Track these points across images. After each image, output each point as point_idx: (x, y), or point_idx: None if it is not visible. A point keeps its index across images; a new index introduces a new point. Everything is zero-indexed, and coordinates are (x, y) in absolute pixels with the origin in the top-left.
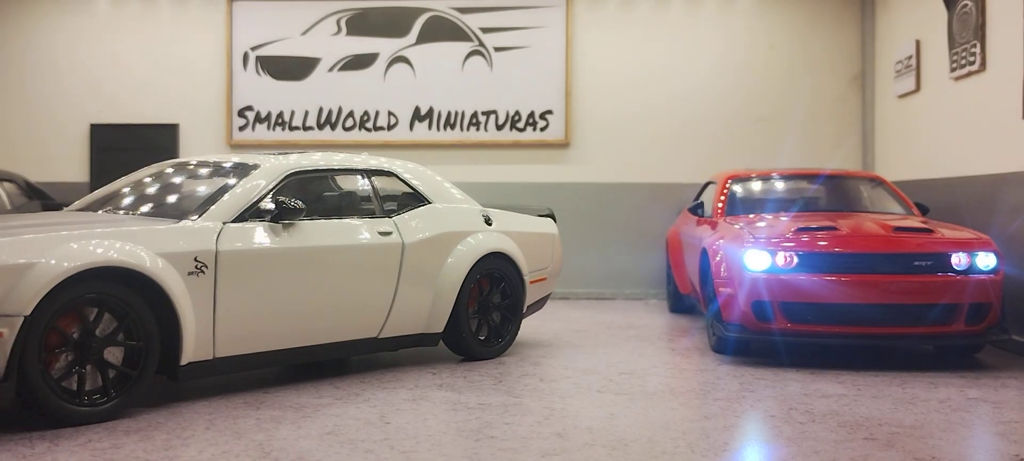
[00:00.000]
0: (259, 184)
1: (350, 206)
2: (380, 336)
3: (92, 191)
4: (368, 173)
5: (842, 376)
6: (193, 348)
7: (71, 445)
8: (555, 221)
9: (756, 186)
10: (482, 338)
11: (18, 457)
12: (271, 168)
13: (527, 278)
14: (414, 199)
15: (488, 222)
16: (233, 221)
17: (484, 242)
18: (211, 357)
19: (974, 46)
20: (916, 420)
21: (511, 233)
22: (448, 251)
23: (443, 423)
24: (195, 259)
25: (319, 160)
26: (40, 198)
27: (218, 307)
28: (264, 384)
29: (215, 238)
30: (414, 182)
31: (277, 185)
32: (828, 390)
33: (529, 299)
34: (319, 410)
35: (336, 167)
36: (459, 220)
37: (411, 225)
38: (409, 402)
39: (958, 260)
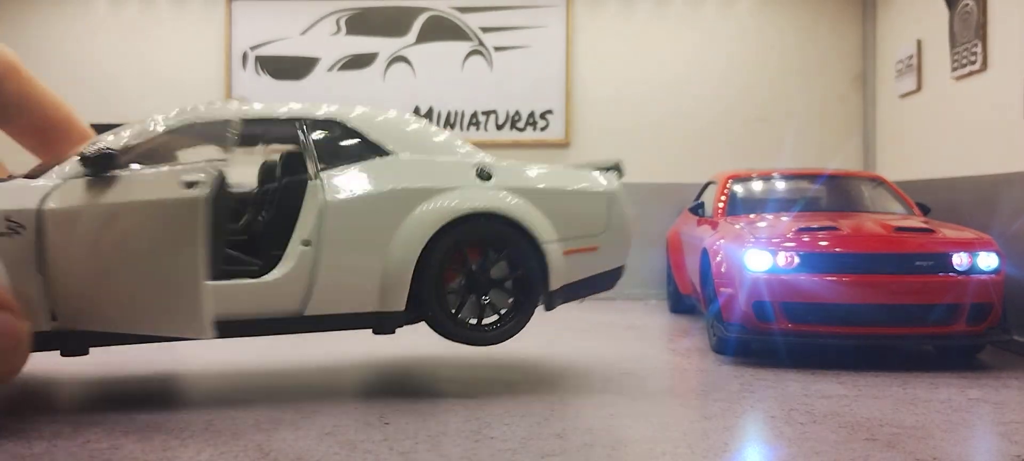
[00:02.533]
0: (124, 135)
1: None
2: (306, 313)
3: None
4: (302, 124)
5: (843, 377)
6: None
7: (69, 446)
8: (620, 174)
9: (757, 186)
10: (473, 321)
11: (16, 458)
12: (157, 118)
13: (550, 246)
14: (370, 150)
15: (483, 176)
16: (77, 177)
17: (463, 200)
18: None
19: (975, 46)
20: (917, 421)
21: (522, 190)
22: (405, 212)
23: (442, 423)
24: (7, 220)
25: (223, 110)
26: None
27: (43, 274)
28: (263, 385)
29: (41, 197)
30: (365, 130)
31: (152, 137)
32: (829, 391)
33: (567, 274)
34: (318, 410)
35: (250, 116)
36: (428, 174)
37: (341, 181)
38: (408, 403)
39: (959, 260)
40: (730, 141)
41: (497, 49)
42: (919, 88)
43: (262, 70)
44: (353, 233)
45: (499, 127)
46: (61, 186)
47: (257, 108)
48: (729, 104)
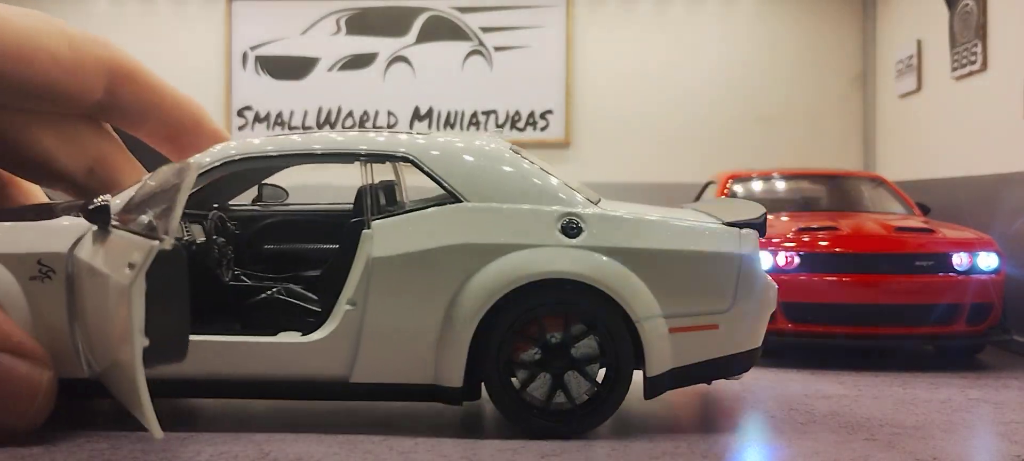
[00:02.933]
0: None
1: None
2: (352, 380)
3: None
4: (367, 159)
5: (843, 376)
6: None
7: (69, 446)
8: (761, 231)
9: (757, 186)
10: (542, 405)
11: (16, 458)
12: (197, 158)
13: (650, 323)
14: (443, 194)
15: (570, 231)
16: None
17: (535, 262)
18: (72, 376)
19: (975, 46)
20: (917, 421)
21: (619, 250)
22: (463, 274)
23: (442, 424)
24: (39, 263)
25: (268, 146)
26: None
27: (74, 320)
28: None
29: (74, 240)
30: (439, 172)
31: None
32: (829, 390)
33: (673, 357)
34: (318, 410)
35: (298, 151)
36: (496, 227)
37: (394, 231)
38: (408, 403)
39: (959, 260)
40: (730, 140)
41: (497, 49)
42: (919, 88)
43: (262, 70)
44: (402, 295)
45: (499, 127)
46: (90, 231)
47: (319, 140)
48: (729, 104)
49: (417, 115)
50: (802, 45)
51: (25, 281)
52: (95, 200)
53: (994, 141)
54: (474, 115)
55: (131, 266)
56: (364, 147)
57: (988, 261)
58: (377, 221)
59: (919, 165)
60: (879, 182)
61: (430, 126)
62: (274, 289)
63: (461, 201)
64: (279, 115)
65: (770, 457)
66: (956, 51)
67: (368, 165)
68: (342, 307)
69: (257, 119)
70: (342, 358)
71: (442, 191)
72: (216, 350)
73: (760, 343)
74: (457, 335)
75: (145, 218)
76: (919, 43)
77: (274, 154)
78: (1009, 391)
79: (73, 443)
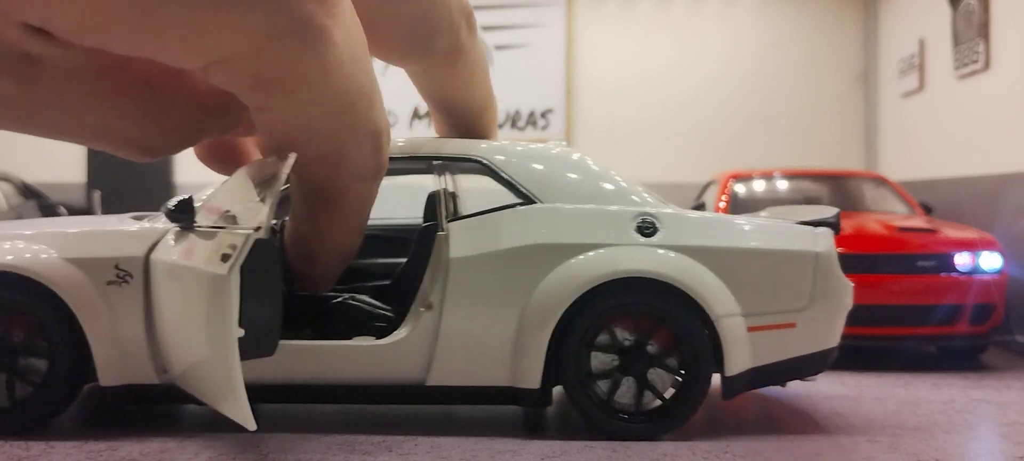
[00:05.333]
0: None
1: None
2: (429, 383)
3: (89, 191)
4: (438, 162)
5: (845, 377)
6: (111, 370)
7: (67, 447)
8: (835, 229)
9: (758, 186)
10: (622, 408)
11: (15, 459)
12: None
13: (728, 321)
14: (514, 196)
15: (646, 230)
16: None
17: (614, 260)
18: (144, 381)
19: (978, 45)
20: (919, 422)
21: (696, 249)
22: (541, 274)
23: (443, 427)
24: (116, 267)
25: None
26: (36, 198)
27: (150, 325)
28: None
29: (150, 244)
30: (510, 172)
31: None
32: (831, 391)
33: (752, 357)
34: (318, 412)
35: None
36: (573, 227)
37: (470, 233)
38: (408, 405)
39: (962, 260)
40: (731, 140)
41: (498, 48)
42: (921, 87)
43: None
44: (478, 296)
45: (499, 126)
46: (171, 230)
47: (398, 145)
48: (730, 103)
49: (417, 114)
50: (803, 44)
51: (102, 285)
52: (175, 198)
53: (997, 141)
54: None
55: (225, 257)
56: (439, 152)
57: (991, 261)
58: (452, 224)
59: (921, 165)
60: (881, 182)
61: (430, 125)
62: (345, 296)
63: (535, 203)
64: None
65: (772, 458)
66: (958, 50)
67: (441, 172)
68: (418, 310)
69: None
70: (418, 361)
71: (514, 196)
72: (293, 354)
73: (837, 343)
74: (535, 336)
75: (232, 212)
76: (921, 42)
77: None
78: (1011, 392)
79: (72, 443)
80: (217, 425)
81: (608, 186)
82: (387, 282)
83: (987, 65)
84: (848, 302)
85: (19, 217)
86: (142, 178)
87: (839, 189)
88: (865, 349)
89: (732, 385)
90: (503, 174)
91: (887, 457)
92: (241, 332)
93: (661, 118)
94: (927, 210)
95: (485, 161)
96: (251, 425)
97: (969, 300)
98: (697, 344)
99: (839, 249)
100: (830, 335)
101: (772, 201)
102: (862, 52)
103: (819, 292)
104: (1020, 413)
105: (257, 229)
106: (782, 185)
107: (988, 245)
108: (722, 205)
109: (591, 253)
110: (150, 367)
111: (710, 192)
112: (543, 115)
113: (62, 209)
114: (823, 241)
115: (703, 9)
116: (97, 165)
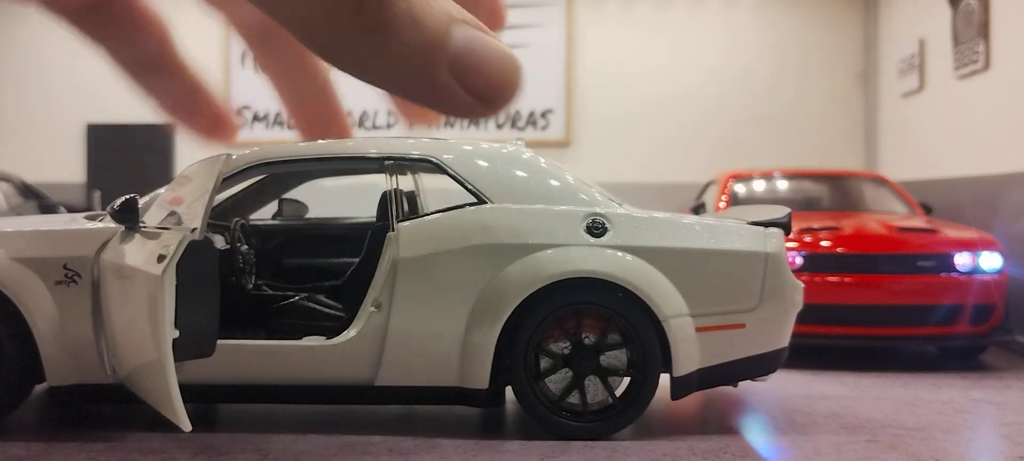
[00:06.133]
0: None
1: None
2: (377, 384)
3: (89, 191)
4: (391, 163)
5: (844, 377)
6: (61, 370)
7: (67, 447)
8: (786, 230)
9: (758, 186)
10: (571, 407)
11: (13, 459)
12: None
13: (676, 322)
14: (471, 196)
15: (595, 231)
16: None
17: (561, 261)
18: (95, 381)
19: (978, 44)
20: (919, 422)
21: (644, 249)
22: (488, 274)
23: (442, 427)
24: (65, 267)
25: (295, 150)
26: (36, 198)
27: (98, 325)
28: None
29: (100, 244)
30: (461, 172)
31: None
32: (830, 392)
33: (700, 357)
34: (317, 412)
35: (331, 155)
36: (522, 228)
37: (419, 233)
38: (408, 407)
39: (962, 261)
40: (731, 140)
41: None
42: (921, 87)
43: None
44: (426, 296)
45: (499, 126)
46: (119, 231)
47: (342, 146)
48: (730, 103)
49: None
50: (803, 44)
51: (51, 285)
52: (120, 198)
53: (997, 140)
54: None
55: (161, 257)
56: (390, 152)
57: (991, 261)
58: (402, 224)
59: (921, 165)
60: (881, 182)
61: (428, 125)
62: (298, 296)
63: (486, 203)
64: (278, 115)
65: (771, 459)
66: (958, 50)
67: (393, 172)
68: (367, 310)
69: (256, 118)
70: (367, 361)
71: (467, 196)
72: (241, 354)
73: (787, 343)
74: (483, 336)
75: (174, 213)
76: (921, 42)
77: (302, 157)
78: (1011, 392)
79: (71, 444)
80: (217, 425)
81: (558, 185)
82: (335, 283)
83: (987, 65)
84: (798, 302)
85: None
86: (143, 177)
87: (839, 189)
88: (865, 349)
89: (680, 385)
90: (453, 173)
91: (887, 457)
92: (176, 333)
93: (661, 118)
94: (927, 210)
95: (435, 160)
96: (186, 426)
97: (969, 300)
98: (646, 345)
99: (839, 249)
100: (780, 335)
101: (772, 201)
102: (862, 52)
103: (769, 292)
104: (1020, 413)
105: (193, 230)
106: (782, 185)
107: (988, 245)
108: (722, 205)
109: (540, 253)
110: (100, 367)
111: (710, 192)
112: (543, 115)
113: (62, 209)
114: (773, 241)
115: (703, 9)
116: (97, 165)
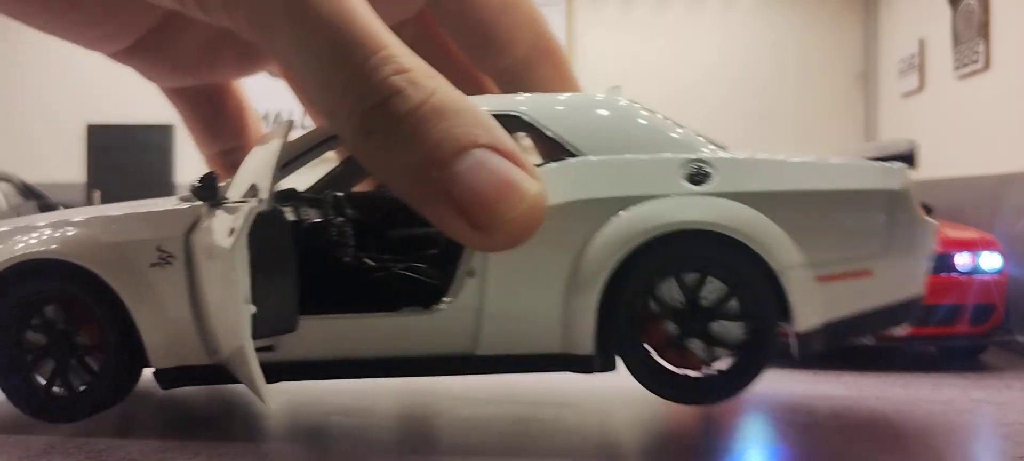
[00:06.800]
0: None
1: None
2: (478, 353)
3: (89, 192)
4: None
5: (845, 377)
6: (159, 353)
7: (68, 446)
8: (911, 163)
9: None
10: (679, 372)
11: (15, 458)
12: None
13: (793, 273)
14: (553, 149)
15: (697, 178)
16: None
17: (664, 212)
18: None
19: (978, 44)
20: (920, 422)
21: (753, 194)
22: (586, 232)
23: (439, 428)
24: (159, 248)
25: None
26: (37, 198)
27: (195, 306)
28: None
29: (190, 224)
30: (544, 121)
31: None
32: (830, 392)
33: (824, 310)
34: (315, 413)
35: None
36: (618, 180)
37: None
38: (408, 408)
39: (962, 260)
40: (732, 140)
41: None
42: (921, 87)
43: None
44: (519, 259)
45: None
46: (203, 210)
47: None
48: (730, 103)
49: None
50: (803, 44)
51: (146, 268)
52: (201, 175)
53: (997, 141)
54: None
55: (232, 232)
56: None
57: (991, 261)
58: None
59: (922, 165)
60: None
61: None
62: (390, 266)
63: (577, 155)
64: (277, 115)
65: (771, 459)
66: (959, 50)
67: None
68: (461, 278)
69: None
70: (466, 331)
71: (559, 149)
72: (334, 329)
73: (921, 291)
74: (583, 298)
75: (253, 186)
76: (921, 42)
77: None
78: (1012, 392)
79: (71, 444)
80: (217, 425)
81: (654, 132)
82: (434, 251)
83: (987, 65)
84: (931, 243)
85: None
86: (142, 178)
87: None
88: (865, 349)
89: (806, 342)
90: (544, 126)
91: (887, 458)
92: (252, 309)
93: None
94: (927, 211)
95: (526, 117)
96: (270, 404)
97: (969, 300)
98: (760, 299)
99: None
100: (912, 282)
101: None
102: (861, 52)
103: (897, 235)
104: (1020, 413)
105: (260, 201)
106: None
107: (988, 245)
108: None
109: (638, 207)
110: (200, 348)
111: None
112: None
113: (62, 208)
114: (897, 177)
115: (702, 10)
116: (97, 165)
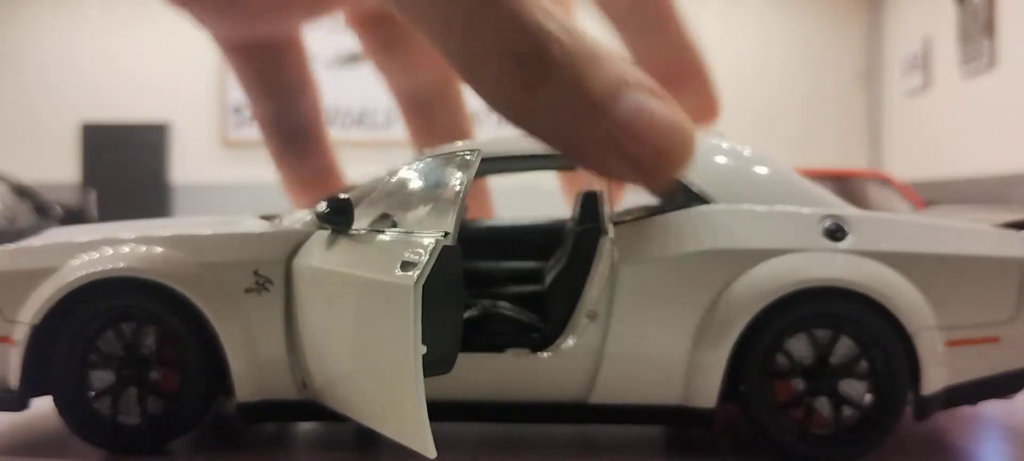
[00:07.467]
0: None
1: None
2: (591, 402)
3: (84, 190)
4: None
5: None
6: (246, 385)
7: (67, 449)
8: None
9: None
10: (809, 431)
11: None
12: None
13: (925, 336)
14: (685, 195)
15: (835, 235)
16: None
17: (802, 268)
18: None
19: (983, 43)
20: (921, 422)
21: (890, 255)
22: (720, 283)
23: (439, 431)
24: (255, 273)
25: (508, 146)
26: (31, 198)
27: (291, 336)
28: None
29: (293, 247)
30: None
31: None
32: None
33: (949, 374)
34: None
35: (533, 153)
36: (755, 231)
37: (639, 236)
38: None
39: None
40: (734, 140)
41: None
42: (926, 85)
43: None
44: (649, 306)
45: (500, 125)
46: (315, 234)
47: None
48: (733, 103)
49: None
50: (806, 42)
51: (241, 293)
52: (326, 198)
53: (1003, 140)
54: (474, 114)
55: (405, 265)
56: None
57: None
58: (618, 225)
59: (927, 164)
60: (884, 182)
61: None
62: (485, 304)
63: (709, 203)
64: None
65: (770, 458)
66: (964, 48)
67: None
68: (581, 320)
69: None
70: (581, 377)
71: (686, 194)
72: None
73: None
74: (713, 352)
75: (387, 216)
76: (926, 40)
77: (515, 155)
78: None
79: (72, 443)
80: (217, 426)
81: (786, 183)
82: (525, 288)
83: (993, 63)
84: None
85: (13, 217)
86: (137, 178)
87: (842, 189)
88: None
89: (926, 405)
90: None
91: (887, 457)
92: (424, 349)
93: None
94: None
95: None
96: (431, 452)
97: None
98: (893, 361)
99: None
100: None
101: None
102: (865, 50)
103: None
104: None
105: (445, 235)
106: None
107: None
108: None
109: (775, 260)
110: (291, 381)
111: None
112: None
113: (57, 208)
114: None
115: (705, 9)
116: (92, 165)
